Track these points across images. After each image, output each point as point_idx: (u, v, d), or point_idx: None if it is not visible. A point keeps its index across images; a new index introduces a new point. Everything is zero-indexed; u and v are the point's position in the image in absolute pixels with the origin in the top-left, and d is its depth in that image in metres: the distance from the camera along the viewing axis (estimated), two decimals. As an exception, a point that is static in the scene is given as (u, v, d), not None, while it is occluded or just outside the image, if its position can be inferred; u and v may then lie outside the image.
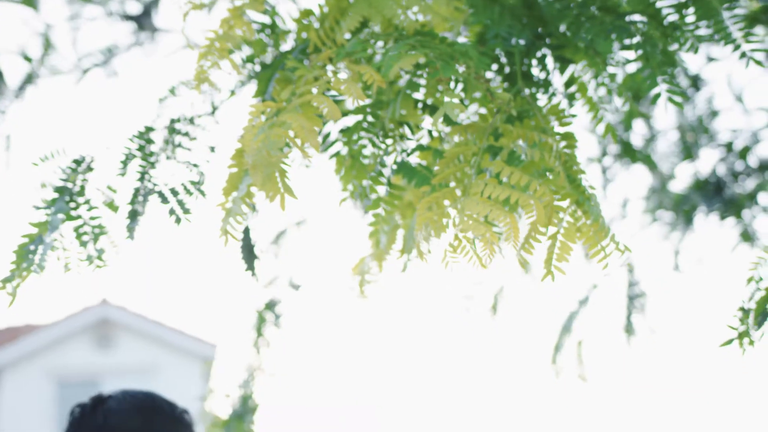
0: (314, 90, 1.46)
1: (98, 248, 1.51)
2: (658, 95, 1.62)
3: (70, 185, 1.52)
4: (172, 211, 1.56)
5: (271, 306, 2.91)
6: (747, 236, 3.65)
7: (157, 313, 27.09)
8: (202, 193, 1.59)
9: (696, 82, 3.57)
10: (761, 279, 1.57)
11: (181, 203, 1.57)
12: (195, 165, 1.59)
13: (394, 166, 1.57)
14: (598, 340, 3.80)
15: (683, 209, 3.69)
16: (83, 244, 1.50)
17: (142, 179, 1.57)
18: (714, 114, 3.59)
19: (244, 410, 2.68)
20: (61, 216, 1.49)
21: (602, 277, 3.85)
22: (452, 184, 1.47)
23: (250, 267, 1.72)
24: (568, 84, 1.74)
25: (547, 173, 1.48)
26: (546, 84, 1.66)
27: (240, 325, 2.93)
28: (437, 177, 1.49)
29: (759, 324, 1.52)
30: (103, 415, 1.62)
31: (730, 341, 1.56)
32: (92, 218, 1.52)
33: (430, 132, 1.66)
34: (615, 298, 3.79)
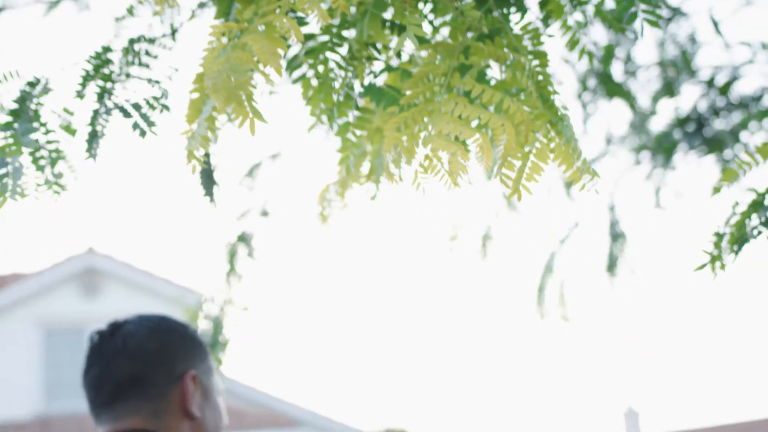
0: (277, 10, 1.41)
1: (56, 173, 1.46)
2: (634, 16, 1.58)
3: (25, 108, 1.47)
4: (135, 125, 1.52)
5: (243, 238, 2.88)
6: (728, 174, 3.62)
7: (143, 262, 27.15)
8: (166, 107, 1.54)
9: (676, 14, 3.52)
10: (737, 204, 1.54)
11: (144, 117, 1.52)
12: (156, 81, 1.54)
13: (362, 89, 1.53)
14: (580, 280, 3.79)
15: (663, 146, 3.65)
16: (40, 168, 1.46)
17: (101, 100, 1.52)
18: (694, 43, 3.54)
19: (214, 342, 2.66)
20: (30, 138, 1.45)
21: (583, 216, 3.84)
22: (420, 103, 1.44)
23: (209, 193, 1.69)
24: (542, 4, 1.69)
25: (520, 93, 1.45)
26: (519, 3, 1.62)
27: (213, 259, 2.90)
28: (406, 97, 1.45)
29: (737, 249, 1.50)
30: (122, 338, 1.70)
31: (703, 266, 1.54)
32: (49, 142, 1.48)
33: (398, 53, 1.61)
34: (596, 238, 3.78)
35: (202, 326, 2.66)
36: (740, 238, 1.50)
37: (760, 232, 1.50)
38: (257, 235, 2.91)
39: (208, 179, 1.67)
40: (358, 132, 1.59)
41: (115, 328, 1.74)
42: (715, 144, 3.66)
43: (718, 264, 1.53)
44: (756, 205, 1.51)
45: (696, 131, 3.65)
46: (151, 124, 1.55)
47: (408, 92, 1.45)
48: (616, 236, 3.69)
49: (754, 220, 1.50)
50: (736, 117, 3.67)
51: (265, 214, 2.95)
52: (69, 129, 1.53)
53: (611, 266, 3.70)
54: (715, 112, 3.65)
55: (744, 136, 3.65)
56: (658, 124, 3.81)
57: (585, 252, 3.83)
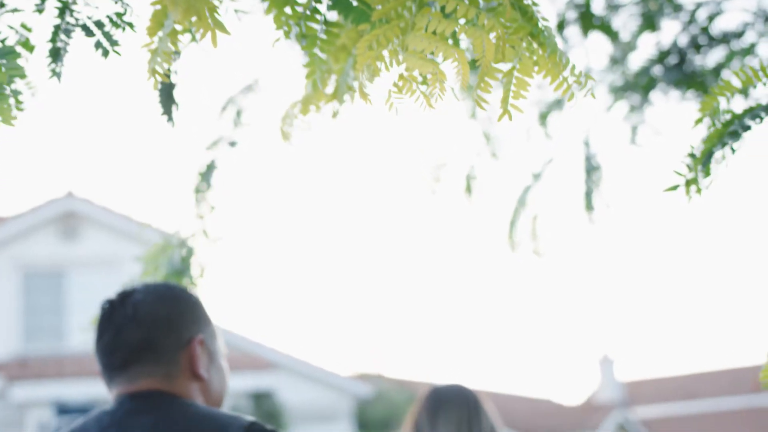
0: None
1: (14, 90, 1.41)
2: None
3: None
4: (98, 44, 1.47)
5: (212, 167, 2.83)
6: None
7: (122, 205, 27.03)
8: (130, 25, 1.49)
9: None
10: (713, 124, 1.51)
11: (107, 35, 1.47)
12: (121, -3, 1.48)
13: (330, 2, 1.47)
14: (554, 215, 3.76)
15: (642, 83, 3.60)
16: (-3, 86, 1.40)
17: (62, 15, 1.46)
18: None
19: (184, 268, 2.61)
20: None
21: (559, 152, 3.80)
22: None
23: (167, 111, 1.64)
24: None
25: (498, 7, 1.39)
26: None
27: (182, 188, 2.84)
28: (377, 12, 1.40)
29: (704, 165, 1.47)
30: (132, 306, 1.81)
31: (675, 187, 1.50)
32: (5, 58, 1.42)
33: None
34: (572, 173, 3.74)
35: (175, 257, 2.62)
36: (709, 153, 1.47)
37: (733, 150, 1.48)
38: (228, 165, 2.86)
39: (167, 97, 1.62)
40: (324, 47, 1.53)
41: (125, 297, 1.84)
42: (695, 81, 3.62)
43: (693, 188, 1.50)
44: (729, 124, 1.48)
45: (676, 67, 3.61)
46: (114, 43, 1.50)
47: (379, 7, 1.40)
48: (591, 169, 3.65)
49: (727, 139, 1.47)
50: (718, 54, 3.63)
51: (232, 144, 2.89)
52: (27, 45, 1.48)
53: (586, 200, 3.67)
54: (696, 47, 3.61)
55: (725, 74, 3.61)
56: (638, 60, 3.76)
57: (560, 187, 3.79)
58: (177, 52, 1.43)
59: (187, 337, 1.82)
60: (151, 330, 1.80)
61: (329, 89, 1.61)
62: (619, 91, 3.68)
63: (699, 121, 1.57)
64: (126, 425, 1.73)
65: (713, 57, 3.65)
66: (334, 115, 1.66)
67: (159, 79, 1.36)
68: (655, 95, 3.67)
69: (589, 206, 3.66)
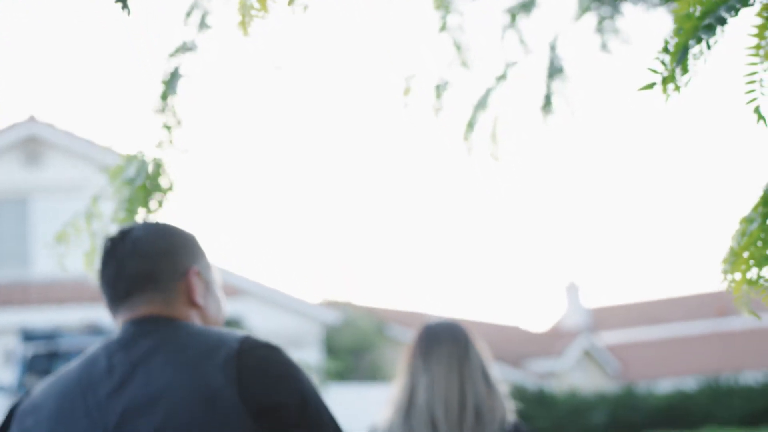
0: None
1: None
2: None
3: None
4: None
5: (177, 75, 2.68)
6: None
7: (85, 131, 26.61)
8: None
9: None
10: (689, 16, 1.40)
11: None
12: None
13: None
14: (515, 120, 3.61)
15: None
16: None
17: None
18: None
19: (152, 183, 2.49)
20: None
21: (522, 54, 3.66)
22: None
23: None
24: None
25: None
26: None
27: (146, 106, 2.69)
28: None
29: (680, 60, 1.36)
30: (132, 242, 1.95)
31: (651, 85, 1.40)
32: None
33: None
34: (535, 77, 3.60)
35: (142, 172, 2.49)
36: (684, 48, 1.37)
37: (709, 45, 1.37)
38: (193, 72, 2.71)
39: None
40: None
41: (124, 233, 1.99)
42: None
43: (671, 86, 1.39)
44: (703, 16, 1.38)
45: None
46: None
47: None
48: (554, 72, 3.50)
49: (702, 33, 1.37)
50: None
51: (191, 48, 2.74)
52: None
53: (545, 103, 3.54)
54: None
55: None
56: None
57: (523, 91, 3.66)
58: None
59: (184, 268, 1.97)
60: (151, 262, 1.94)
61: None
62: (588, 2, 3.54)
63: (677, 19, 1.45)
64: (131, 347, 1.87)
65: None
66: (305, 9, 1.54)
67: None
68: (625, 6, 3.54)
69: (548, 108, 3.53)
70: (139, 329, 1.90)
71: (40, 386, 1.93)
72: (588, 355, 26.68)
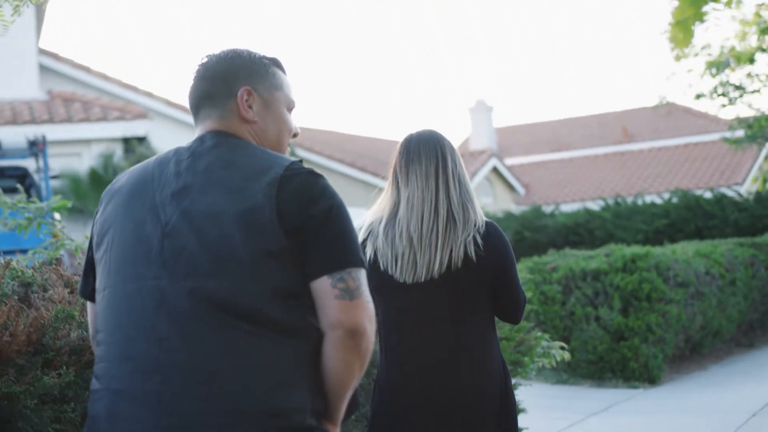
0: None
1: None
2: None
3: None
4: None
5: None
6: None
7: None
8: None
9: None
10: None
11: None
12: None
13: None
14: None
15: None
16: None
17: None
18: None
19: None
20: None
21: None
22: None
23: None
24: None
25: None
26: None
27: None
28: None
29: None
30: (203, 66, 2.27)
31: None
32: None
33: None
34: None
35: None
36: None
37: None
38: None
39: None
40: None
41: (203, 60, 2.29)
42: None
43: None
44: None
45: None
46: None
47: None
48: None
49: None
50: None
51: None
52: None
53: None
54: None
55: None
56: None
57: None
58: None
59: (237, 88, 2.23)
60: (209, 83, 2.24)
61: None
62: None
63: None
64: (195, 158, 2.15)
65: None
66: None
67: None
68: None
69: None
70: (201, 143, 2.20)
71: (126, 173, 2.22)
72: (495, 172, 26.94)
